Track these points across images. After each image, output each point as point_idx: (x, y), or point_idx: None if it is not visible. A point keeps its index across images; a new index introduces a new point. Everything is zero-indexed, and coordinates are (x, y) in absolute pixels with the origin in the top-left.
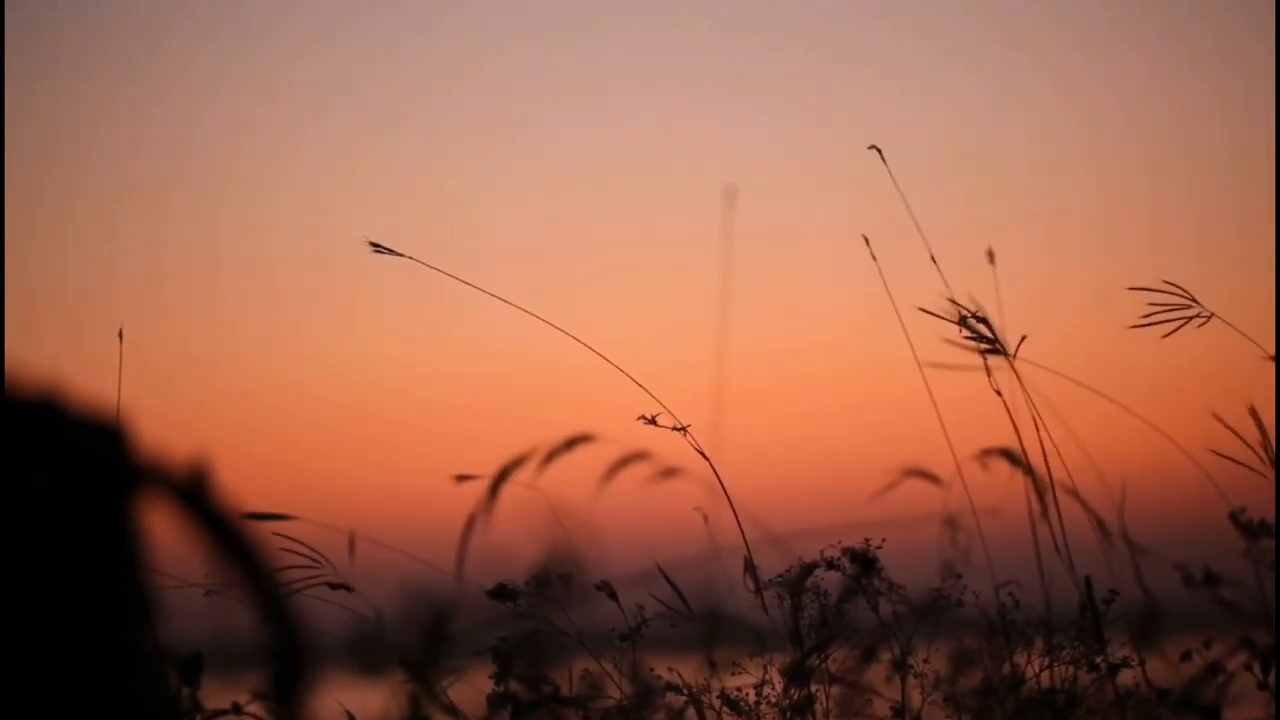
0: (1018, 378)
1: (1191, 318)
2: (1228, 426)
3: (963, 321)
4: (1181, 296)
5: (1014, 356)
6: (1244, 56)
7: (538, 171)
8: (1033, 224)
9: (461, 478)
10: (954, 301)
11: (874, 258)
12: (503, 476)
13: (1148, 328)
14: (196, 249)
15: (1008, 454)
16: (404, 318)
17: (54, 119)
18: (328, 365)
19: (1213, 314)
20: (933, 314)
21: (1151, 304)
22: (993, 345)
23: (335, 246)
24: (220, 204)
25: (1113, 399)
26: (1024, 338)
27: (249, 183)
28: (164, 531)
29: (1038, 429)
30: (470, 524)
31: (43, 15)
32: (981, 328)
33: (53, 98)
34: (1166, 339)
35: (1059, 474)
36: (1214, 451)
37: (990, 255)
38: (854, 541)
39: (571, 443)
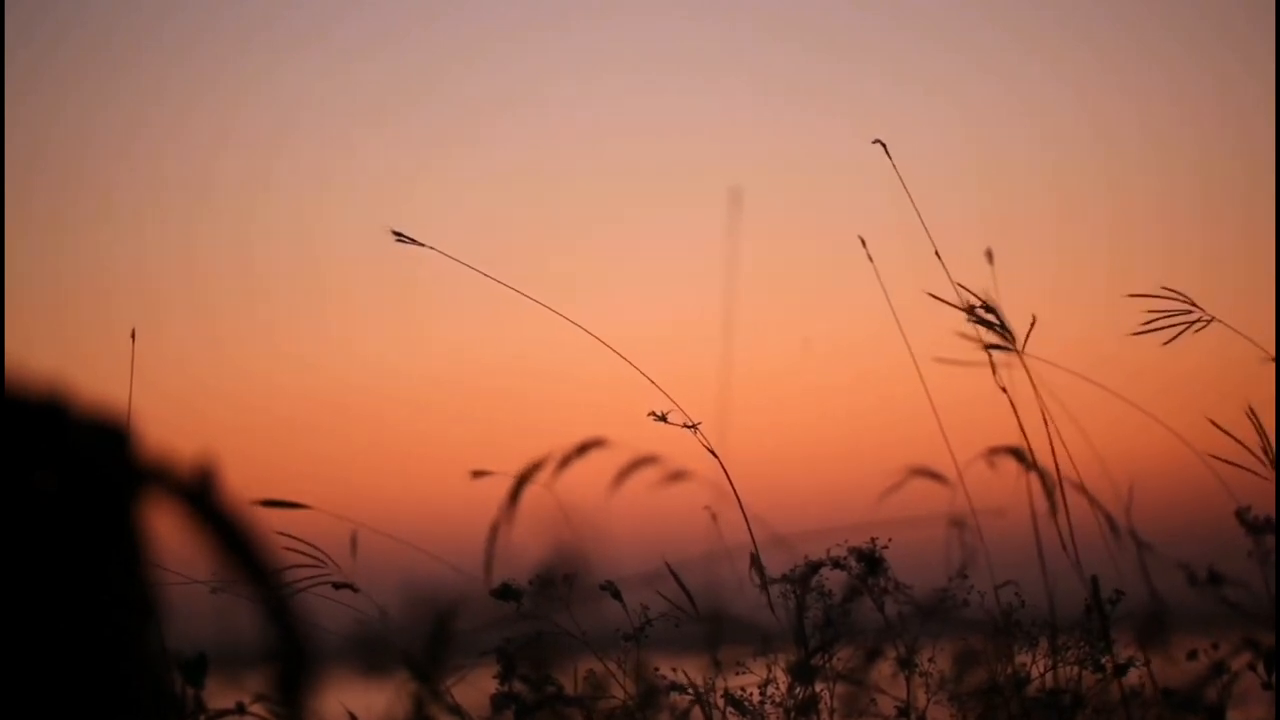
0: (1027, 372)
1: (1192, 323)
2: (1224, 431)
3: (971, 312)
4: (1182, 302)
5: (1023, 350)
6: (1250, 61)
7: (536, 168)
8: (1041, 225)
9: (478, 474)
10: (964, 287)
11: (870, 258)
12: (523, 482)
13: (1149, 333)
14: (194, 249)
15: (1015, 452)
16: (410, 322)
17: (51, 119)
18: (332, 368)
19: (1214, 318)
20: (943, 300)
21: (1152, 310)
22: (1002, 337)
23: (336, 247)
24: (220, 204)
25: (1120, 395)
26: (1033, 324)
27: (251, 183)
28: (169, 533)
29: (1046, 425)
30: (494, 532)
31: (40, 16)
32: (990, 318)
33: (48, 97)
34: (1169, 345)
35: (1066, 472)
36: (1214, 456)
37: (989, 255)
38: (860, 541)
39: (584, 448)
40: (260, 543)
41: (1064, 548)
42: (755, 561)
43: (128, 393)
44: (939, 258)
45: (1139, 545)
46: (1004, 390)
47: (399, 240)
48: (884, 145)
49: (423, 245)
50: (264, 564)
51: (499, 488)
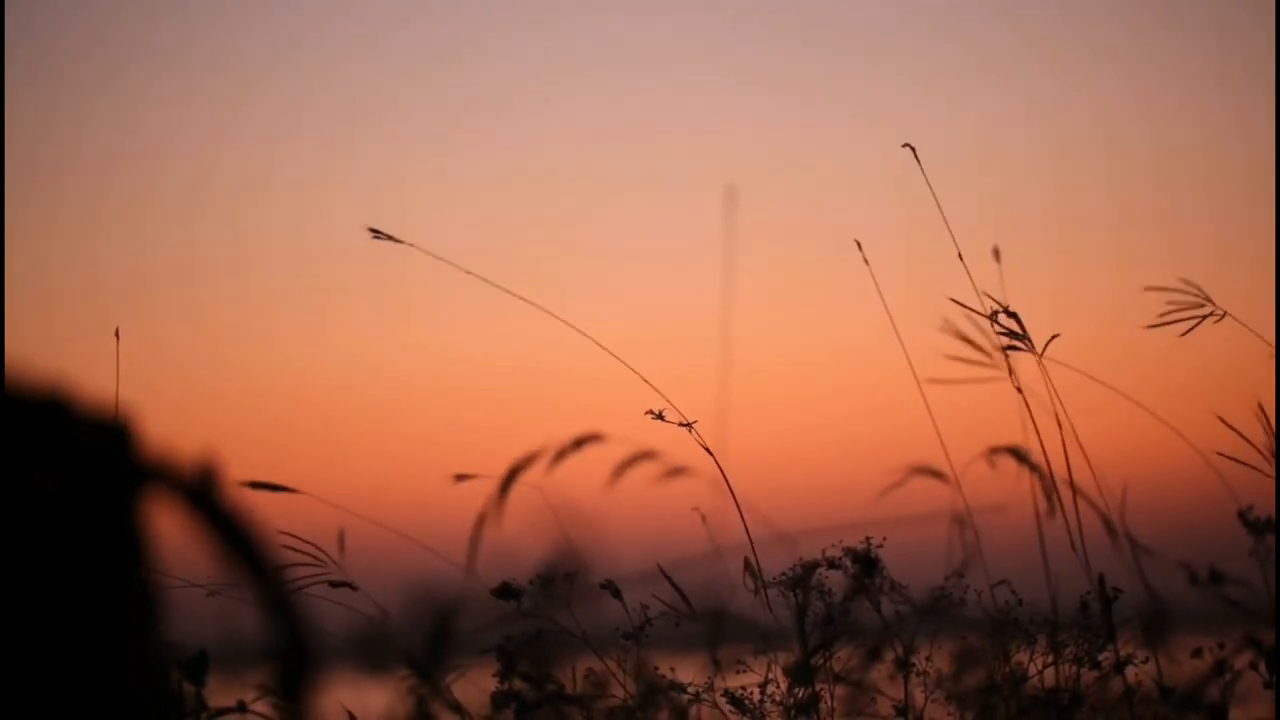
0: (1045, 376)
1: (1206, 316)
2: (1232, 428)
3: (993, 316)
4: (1197, 295)
5: (1041, 355)
6: (1251, 60)
7: (532, 166)
8: (1049, 225)
9: (460, 477)
10: (988, 296)
11: (866, 262)
12: (512, 476)
13: (1165, 326)
14: (187, 248)
15: (1015, 452)
16: (407, 320)
17: (46, 118)
18: (327, 367)
19: (1226, 312)
20: (966, 306)
21: (1170, 303)
22: (1021, 341)
23: (332, 246)
24: (213, 204)
25: (1126, 395)
26: (1053, 337)
27: (244, 183)
28: (171, 530)
29: (1060, 427)
30: (480, 523)
31: (36, 15)
32: (1012, 323)
33: (44, 96)
34: (1183, 338)
35: (1075, 473)
36: (1220, 454)
37: (996, 253)
38: (856, 540)
39: (580, 442)
40: (262, 540)
41: (1072, 547)
42: (748, 565)
43: (114, 391)
44: (962, 261)
45: (1134, 546)
46: (1019, 390)
47: (375, 237)
48: (914, 150)
49: (400, 242)
50: (266, 561)
51: (491, 488)
